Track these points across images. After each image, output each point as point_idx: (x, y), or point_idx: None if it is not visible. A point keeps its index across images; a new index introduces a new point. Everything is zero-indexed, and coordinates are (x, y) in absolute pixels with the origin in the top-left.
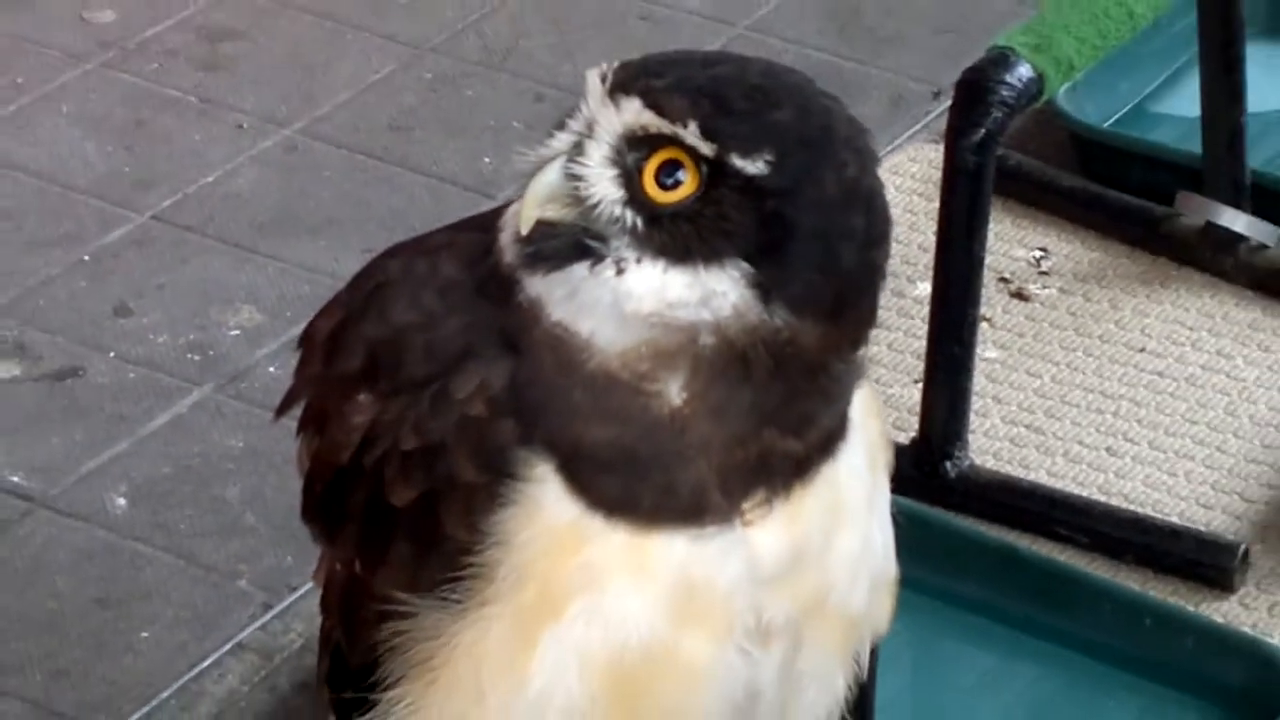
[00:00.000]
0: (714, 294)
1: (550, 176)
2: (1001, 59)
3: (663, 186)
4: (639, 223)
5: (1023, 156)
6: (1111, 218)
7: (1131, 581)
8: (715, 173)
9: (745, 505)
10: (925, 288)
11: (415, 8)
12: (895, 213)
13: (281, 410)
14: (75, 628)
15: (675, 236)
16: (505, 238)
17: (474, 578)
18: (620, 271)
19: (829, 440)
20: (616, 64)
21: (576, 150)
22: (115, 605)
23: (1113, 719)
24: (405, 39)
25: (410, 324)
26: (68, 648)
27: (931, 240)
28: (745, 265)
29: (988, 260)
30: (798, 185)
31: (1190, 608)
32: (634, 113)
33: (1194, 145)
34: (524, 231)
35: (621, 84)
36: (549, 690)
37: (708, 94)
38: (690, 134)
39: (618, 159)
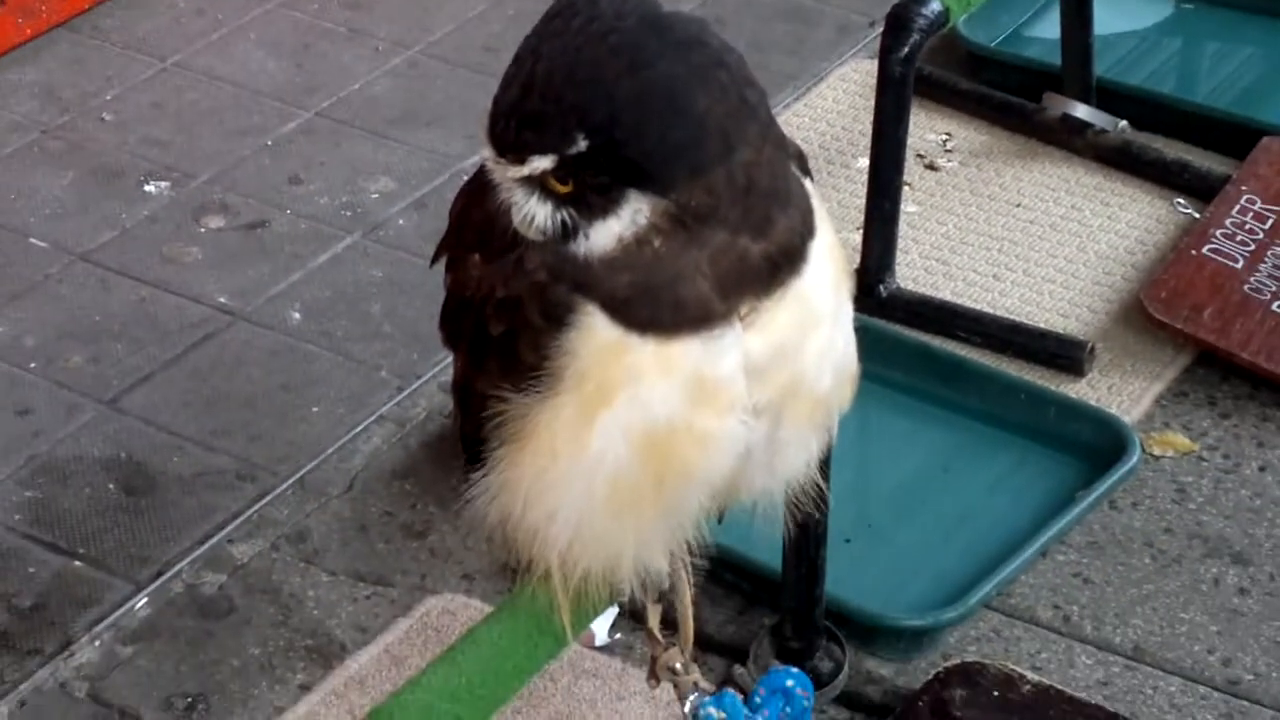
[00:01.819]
0: (636, 213)
1: (520, 224)
2: None
3: (563, 184)
4: (573, 212)
5: (934, 68)
6: (997, 111)
7: (1011, 369)
8: (570, 166)
9: (740, 308)
10: (864, 162)
11: None
12: (842, 109)
13: (433, 262)
14: (265, 405)
15: (594, 205)
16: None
17: (549, 377)
18: (587, 236)
19: (793, 251)
20: (493, 127)
21: (514, 195)
22: (293, 389)
23: (997, 467)
24: None
25: (496, 211)
26: (260, 418)
27: (868, 128)
28: (634, 191)
29: (909, 141)
30: (615, 134)
31: (1053, 387)
32: (514, 171)
33: (1055, 59)
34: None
35: (500, 151)
36: (602, 454)
37: (535, 124)
38: (540, 164)
39: (530, 190)
